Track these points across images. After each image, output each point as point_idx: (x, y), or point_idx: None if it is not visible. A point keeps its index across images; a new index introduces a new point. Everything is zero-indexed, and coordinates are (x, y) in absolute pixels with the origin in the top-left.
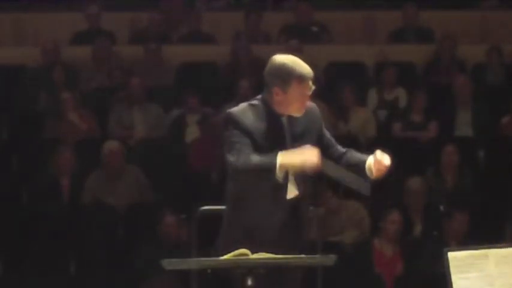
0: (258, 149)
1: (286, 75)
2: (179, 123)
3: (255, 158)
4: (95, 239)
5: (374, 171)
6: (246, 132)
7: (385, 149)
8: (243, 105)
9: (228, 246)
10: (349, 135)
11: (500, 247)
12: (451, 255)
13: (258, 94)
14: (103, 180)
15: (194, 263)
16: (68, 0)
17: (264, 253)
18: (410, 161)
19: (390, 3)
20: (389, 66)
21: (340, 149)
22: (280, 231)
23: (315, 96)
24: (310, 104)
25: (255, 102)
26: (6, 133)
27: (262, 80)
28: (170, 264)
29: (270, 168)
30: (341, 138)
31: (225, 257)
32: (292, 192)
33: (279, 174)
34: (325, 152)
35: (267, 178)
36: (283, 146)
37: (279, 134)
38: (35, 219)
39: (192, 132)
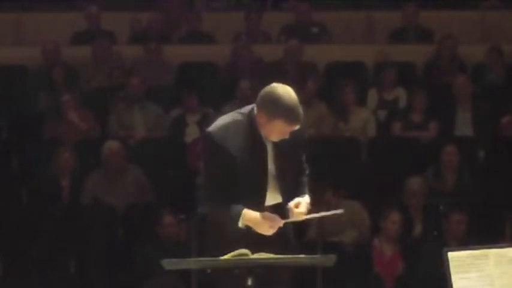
0: (238, 170)
1: (276, 110)
2: (179, 123)
3: (221, 213)
4: (94, 239)
5: (293, 215)
6: (227, 157)
7: (385, 149)
8: (225, 122)
9: (217, 248)
10: (349, 135)
11: (500, 247)
12: (451, 255)
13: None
14: (103, 180)
15: (194, 263)
16: (68, 0)
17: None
18: (410, 161)
19: (390, 3)
20: (389, 66)
21: (300, 180)
22: (258, 238)
23: (315, 96)
24: (299, 129)
25: (239, 117)
26: (6, 133)
27: (262, 80)
28: (170, 264)
29: (233, 224)
30: (341, 138)
31: (225, 257)
32: (272, 199)
33: (241, 227)
34: (295, 170)
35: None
36: (264, 169)
37: (261, 156)
38: (35, 219)
39: (192, 132)
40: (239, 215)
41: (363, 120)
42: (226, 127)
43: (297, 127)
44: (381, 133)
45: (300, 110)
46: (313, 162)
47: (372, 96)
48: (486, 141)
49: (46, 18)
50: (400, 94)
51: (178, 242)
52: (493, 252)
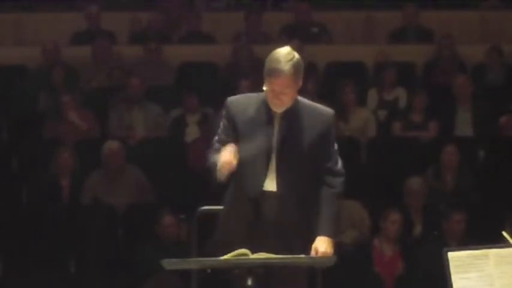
0: (241, 138)
1: (264, 71)
2: (179, 123)
3: (213, 157)
4: (94, 239)
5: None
6: (230, 120)
7: (385, 149)
8: (245, 94)
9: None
10: (349, 135)
11: (500, 247)
12: (451, 255)
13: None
14: (103, 180)
15: (194, 263)
16: (68, 0)
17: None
18: (410, 161)
19: (390, 3)
20: (389, 66)
21: (327, 178)
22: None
23: (315, 96)
24: (326, 110)
25: (258, 93)
26: (6, 133)
27: (262, 80)
28: (170, 264)
29: (213, 167)
30: (341, 138)
31: (225, 257)
32: (269, 185)
33: (218, 175)
34: (312, 162)
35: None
36: (269, 140)
37: (266, 127)
38: (35, 219)
39: (192, 132)
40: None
41: (363, 120)
42: (243, 97)
43: (278, 82)
44: (381, 133)
45: (281, 64)
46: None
47: (372, 96)
48: (486, 141)
49: (46, 18)
50: (400, 94)
51: (178, 242)
52: (493, 252)
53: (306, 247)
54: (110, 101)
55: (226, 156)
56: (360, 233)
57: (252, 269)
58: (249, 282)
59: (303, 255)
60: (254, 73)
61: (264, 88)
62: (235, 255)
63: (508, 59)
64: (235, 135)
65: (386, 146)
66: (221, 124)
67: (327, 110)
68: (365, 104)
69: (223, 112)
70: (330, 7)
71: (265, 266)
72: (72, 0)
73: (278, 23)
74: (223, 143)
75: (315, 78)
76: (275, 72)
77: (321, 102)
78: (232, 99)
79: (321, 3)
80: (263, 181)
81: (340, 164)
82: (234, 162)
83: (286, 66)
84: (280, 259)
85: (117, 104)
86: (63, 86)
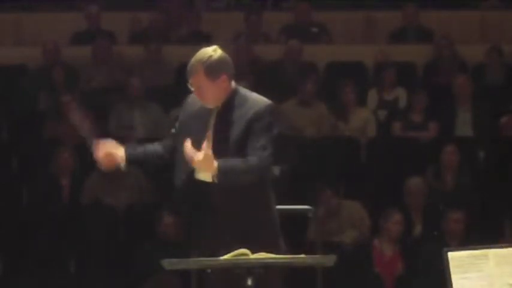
0: (180, 132)
1: None
2: None
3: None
4: (94, 239)
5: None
6: (179, 116)
7: (385, 149)
8: None
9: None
10: (349, 135)
11: (500, 247)
12: (451, 255)
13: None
14: (103, 180)
15: (194, 263)
16: (68, 0)
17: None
18: (410, 161)
19: (390, 3)
20: (389, 66)
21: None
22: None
23: (315, 96)
24: (260, 100)
25: None
26: (6, 133)
27: (262, 80)
28: (170, 264)
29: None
30: (341, 138)
31: (225, 257)
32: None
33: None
34: (242, 152)
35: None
36: (201, 134)
37: (201, 121)
38: (35, 219)
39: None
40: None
41: (363, 120)
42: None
43: (190, 80)
44: (381, 133)
45: (192, 63)
46: (314, 162)
47: (372, 96)
48: (486, 141)
49: (46, 18)
50: (400, 94)
51: (178, 242)
52: (493, 252)
53: (257, 237)
54: (110, 101)
55: (97, 154)
56: (360, 233)
57: (251, 269)
58: (249, 282)
59: (303, 255)
60: (254, 73)
61: None
62: (235, 255)
63: (508, 59)
64: (173, 140)
65: (387, 146)
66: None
67: (261, 101)
68: (365, 104)
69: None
70: (330, 7)
71: (265, 266)
72: (72, 0)
73: (278, 23)
74: (168, 137)
75: (315, 78)
76: (188, 70)
77: (321, 102)
78: (188, 97)
79: (321, 3)
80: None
81: (266, 154)
82: (107, 156)
83: (196, 66)
84: (280, 259)
85: (117, 104)
86: (63, 86)
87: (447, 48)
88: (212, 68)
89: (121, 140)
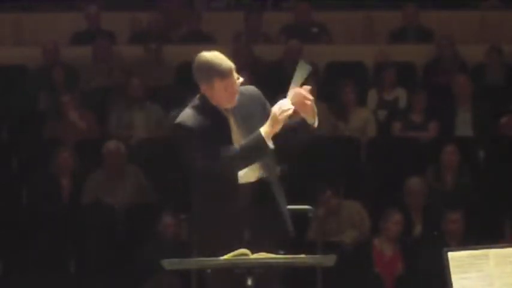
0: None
1: (209, 72)
2: None
3: (233, 148)
4: (95, 239)
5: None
6: (201, 134)
7: (385, 149)
8: (186, 111)
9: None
10: (349, 135)
11: (500, 247)
12: (451, 255)
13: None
14: (103, 180)
15: (194, 263)
16: (68, 0)
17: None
18: (410, 161)
19: (390, 3)
20: (389, 66)
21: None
22: (245, 223)
23: (315, 96)
24: (248, 87)
25: (195, 103)
26: (6, 133)
27: (262, 80)
28: (170, 264)
29: (258, 144)
30: (341, 138)
31: (225, 256)
32: (251, 175)
33: (269, 144)
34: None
35: (259, 157)
36: (229, 136)
37: (223, 125)
38: (35, 219)
39: None
40: (256, 133)
41: (362, 120)
42: (189, 113)
43: (235, 78)
44: (381, 133)
45: (227, 60)
46: (314, 162)
47: (372, 96)
48: (486, 141)
49: (46, 18)
50: (400, 94)
51: (178, 242)
52: (493, 252)
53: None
54: (110, 101)
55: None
56: (360, 233)
57: (252, 269)
58: (249, 282)
59: (303, 255)
60: (254, 73)
61: (213, 88)
62: (235, 255)
63: (508, 59)
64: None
65: (387, 146)
66: (194, 143)
67: (252, 88)
68: (365, 104)
69: (188, 133)
70: (330, 7)
71: (265, 266)
72: (72, 0)
73: (278, 23)
74: (218, 147)
75: (315, 78)
76: (229, 71)
77: (321, 102)
78: (185, 120)
79: (321, 3)
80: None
81: None
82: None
83: (230, 62)
84: (280, 259)
85: (117, 104)
86: (63, 86)
87: (447, 48)
88: None
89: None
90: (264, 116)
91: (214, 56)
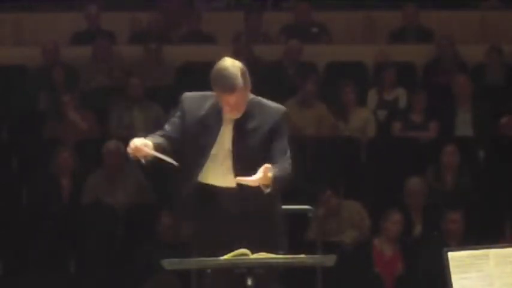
0: (187, 136)
1: (212, 82)
2: None
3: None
4: (94, 239)
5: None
6: (181, 117)
7: (385, 149)
8: (202, 92)
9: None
10: (349, 135)
11: (500, 247)
12: (451, 255)
13: (257, 94)
14: (103, 180)
15: (194, 263)
16: (68, 0)
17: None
18: (410, 161)
19: (390, 3)
20: (389, 66)
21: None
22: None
23: (315, 96)
24: (273, 105)
25: (211, 93)
26: (6, 133)
27: (261, 80)
28: (170, 264)
29: None
30: (341, 138)
31: (225, 256)
32: (224, 181)
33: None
34: (265, 160)
35: None
36: (209, 144)
37: (214, 124)
38: (35, 219)
39: None
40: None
41: (362, 120)
42: (199, 96)
43: (230, 96)
44: (381, 133)
45: (231, 79)
46: (313, 162)
47: (372, 96)
48: (486, 141)
49: (46, 18)
50: (400, 94)
51: (178, 242)
52: (493, 252)
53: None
54: (110, 101)
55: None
56: (360, 233)
57: (251, 269)
58: (249, 282)
59: (303, 255)
60: (254, 73)
61: (218, 95)
62: (235, 255)
63: (508, 59)
64: (179, 134)
65: (387, 146)
66: (172, 118)
67: (277, 107)
68: (365, 104)
69: (178, 106)
70: (330, 7)
71: (265, 266)
72: (72, 0)
73: (278, 23)
74: (165, 135)
75: (315, 78)
76: (229, 89)
77: (321, 102)
78: (187, 96)
79: (321, 3)
80: (197, 172)
81: (289, 158)
82: (140, 150)
83: (237, 81)
84: (280, 259)
85: (117, 104)
86: (63, 86)
87: (447, 48)
88: (246, 79)
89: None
90: (267, 136)
91: (224, 69)
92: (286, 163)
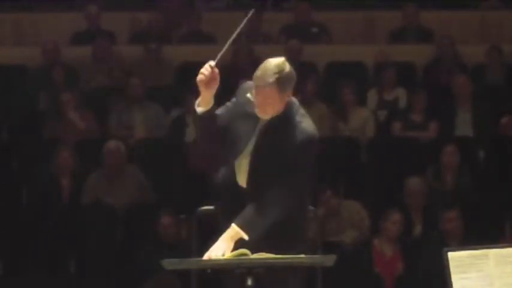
0: (225, 122)
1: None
2: (179, 123)
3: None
4: (94, 239)
5: None
6: (236, 105)
7: (385, 149)
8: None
9: None
10: (349, 135)
11: (500, 247)
12: (451, 255)
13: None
14: (103, 180)
15: (194, 263)
16: (68, 0)
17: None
18: (410, 161)
19: (390, 3)
20: (389, 66)
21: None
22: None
23: (315, 96)
24: (304, 132)
25: None
26: (6, 133)
27: None
28: (170, 264)
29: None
30: (341, 138)
31: (225, 257)
32: (243, 181)
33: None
34: (278, 177)
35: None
36: (245, 141)
37: (248, 128)
38: (35, 219)
39: (192, 132)
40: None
41: (362, 120)
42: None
43: (261, 92)
44: (381, 133)
45: (267, 76)
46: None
47: (372, 96)
48: (486, 141)
49: (46, 18)
50: (400, 94)
51: (178, 242)
52: (493, 252)
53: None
54: (110, 101)
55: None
56: (360, 233)
57: (252, 269)
58: (249, 282)
59: (303, 255)
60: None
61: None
62: (235, 255)
63: (508, 59)
64: (227, 118)
65: (387, 146)
66: (228, 102)
67: (305, 132)
68: (365, 104)
69: (236, 92)
70: (330, 7)
71: (265, 266)
72: (72, 0)
73: (278, 23)
74: (219, 116)
75: (315, 78)
76: (260, 82)
77: (321, 102)
78: (245, 87)
79: (321, 3)
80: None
81: (289, 193)
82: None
83: (271, 79)
84: (280, 259)
85: (117, 104)
86: (63, 86)
87: (447, 48)
88: (284, 81)
89: (121, 140)
90: (280, 156)
91: (265, 62)
92: (272, 203)
